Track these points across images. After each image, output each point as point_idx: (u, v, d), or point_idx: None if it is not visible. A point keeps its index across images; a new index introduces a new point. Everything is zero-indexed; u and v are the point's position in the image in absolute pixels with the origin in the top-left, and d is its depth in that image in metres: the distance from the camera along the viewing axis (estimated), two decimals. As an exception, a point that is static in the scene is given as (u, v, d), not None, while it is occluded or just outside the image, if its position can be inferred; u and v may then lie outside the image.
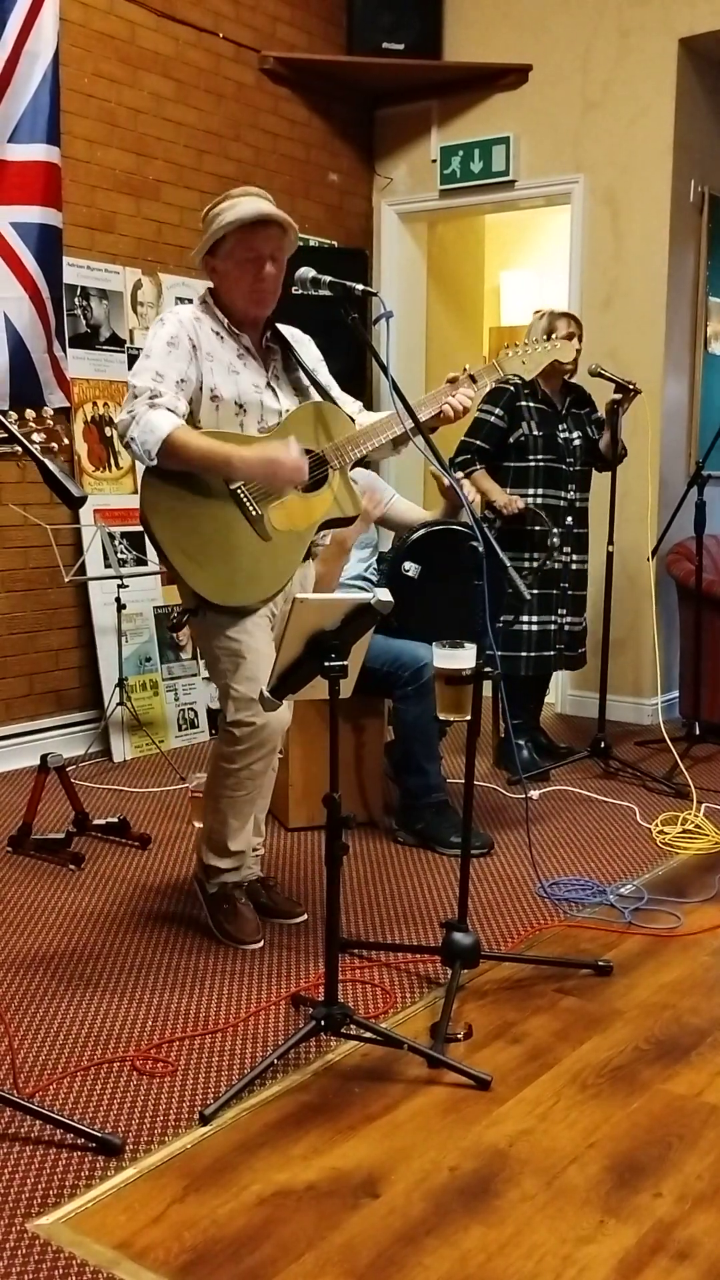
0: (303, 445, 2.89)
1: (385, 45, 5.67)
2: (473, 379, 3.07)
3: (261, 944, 3.02)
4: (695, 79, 5.37)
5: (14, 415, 2.26)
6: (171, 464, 2.80)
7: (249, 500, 2.88)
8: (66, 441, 2.42)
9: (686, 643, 5.15)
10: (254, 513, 2.88)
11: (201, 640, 3.03)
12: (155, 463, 2.78)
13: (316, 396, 3.03)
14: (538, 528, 4.40)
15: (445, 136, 5.89)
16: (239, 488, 2.87)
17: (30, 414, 2.30)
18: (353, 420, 3.03)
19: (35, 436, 2.26)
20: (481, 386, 3.10)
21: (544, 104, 5.58)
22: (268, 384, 2.97)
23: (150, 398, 2.79)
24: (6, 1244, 1.90)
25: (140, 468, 5.00)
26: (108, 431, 4.95)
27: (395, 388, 2.66)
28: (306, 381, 3.04)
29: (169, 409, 2.79)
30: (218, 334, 2.92)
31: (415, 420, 2.79)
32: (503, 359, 3.17)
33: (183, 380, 2.85)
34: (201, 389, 2.88)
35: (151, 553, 5.02)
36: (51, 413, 2.35)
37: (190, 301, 4.83)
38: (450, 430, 3.29)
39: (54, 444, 2.28)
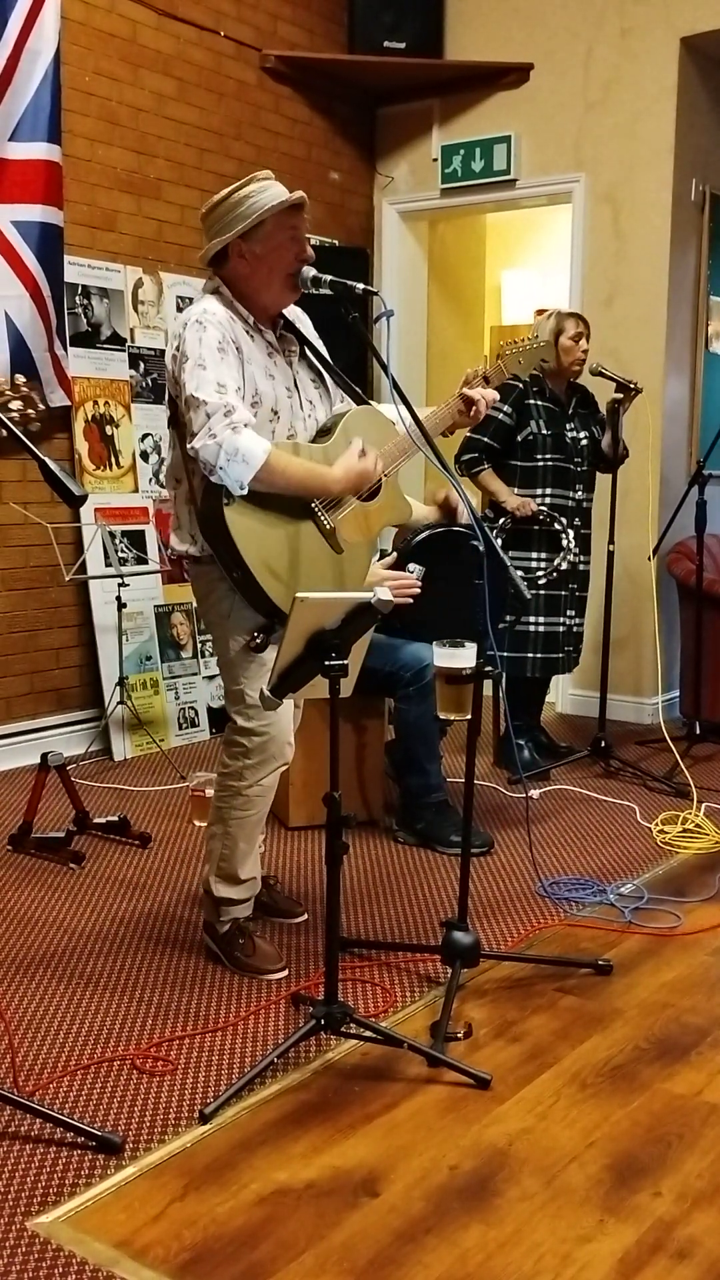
0: None
1: (387, 44, 5.68)
2: (486, 380, 3.07)
3: (286, 972, 2.87)
4: (697, 78, 5.37)
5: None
6: (258, 488, 2.67)
7: (323, 514, 2.83)
8: (43, 407, 2.32)
9: (687, 642, 5.15)
10: (328, 526, 2.83)
11: (219, 644, 2.91)
12: (245, 492, 2.65)
13: (330, 383, 2.99)
14: (555, 528, 4.40)
15: (446, 135, 5.89)
16: (315, 503, 2.81)
17: (2, 380, 2.22)
18: (392, 423, 2.98)
19: (13, 405, 2.16)
20: (494, 386, 3.12)
21: (545, 103, 5.58)
22: (294, 381, 2.88)
23: (226, 414, 2.60)
24: (6, 1242, 1.90)
25: (143, 468, 5.07)
26: (108, 430, 4.95)
27: (396, 387, 2.65)
28: (318, 368, 2.97)
29: (249, 425, 2.63)
30: (248, 334, 2.78)
31: (418, 420, 2.78)
32: (506, 360, 3.19)
33: (238, 389, 2.69)
34: (243, 396, 2.72)
35: (152, 551, 5.03)
36: (24, 380, 2.22)
37: (190, 301, 4.84)
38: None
39: (30, 410, 2.18)
